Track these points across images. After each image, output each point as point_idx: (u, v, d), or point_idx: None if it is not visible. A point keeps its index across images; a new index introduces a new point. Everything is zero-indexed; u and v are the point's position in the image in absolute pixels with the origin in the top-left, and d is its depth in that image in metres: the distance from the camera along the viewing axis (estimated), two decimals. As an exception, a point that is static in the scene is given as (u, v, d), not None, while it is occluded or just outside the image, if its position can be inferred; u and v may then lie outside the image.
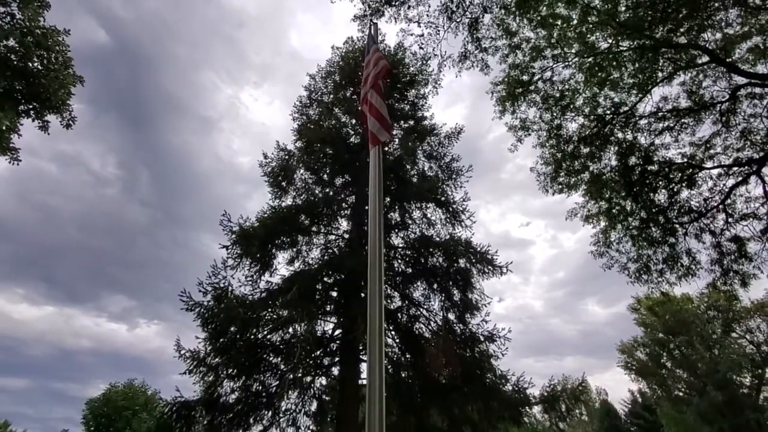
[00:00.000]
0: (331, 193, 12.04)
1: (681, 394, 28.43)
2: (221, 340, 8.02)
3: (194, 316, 8.10)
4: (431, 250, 10.74)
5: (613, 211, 11.32)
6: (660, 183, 10.54)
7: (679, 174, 10.40)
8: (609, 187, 10.72)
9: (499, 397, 8.71)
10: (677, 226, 10.89)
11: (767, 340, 27.39)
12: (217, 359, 8.29)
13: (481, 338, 9.69)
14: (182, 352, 9.15)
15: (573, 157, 10.62)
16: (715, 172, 10.36)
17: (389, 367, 10.74)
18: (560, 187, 11.10)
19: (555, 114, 10.24)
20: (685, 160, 10.45)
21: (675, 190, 10.66)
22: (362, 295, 9.91)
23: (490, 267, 10.30)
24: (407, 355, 11.12)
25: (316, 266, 10.44)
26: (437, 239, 10.96)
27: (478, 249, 10.25)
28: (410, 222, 12.16)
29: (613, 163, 10.57)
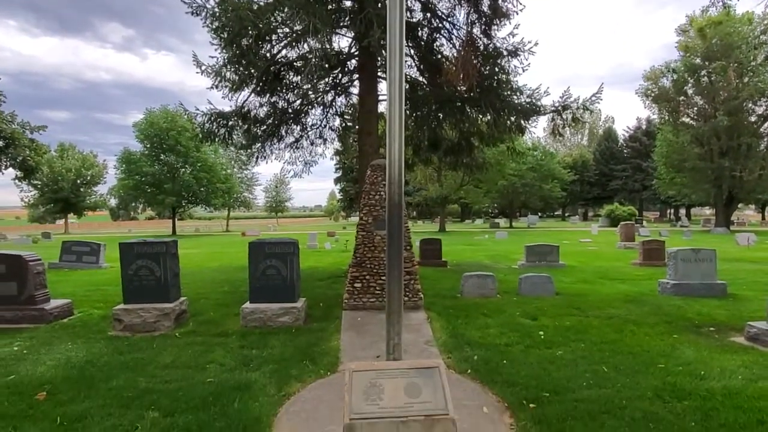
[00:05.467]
0: None
1: (689, 120, 29.44)
2: (237, 51, 7.89)
3: (202, 24, 7.68)
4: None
5: None
6: None
7: None
8: None
9: (512, 107, 9.13)
10: None
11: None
12: (236, 68, 8.43)
13: (505, 53, 9.25)
14: (203, 67, 9.26)
15: None
16: None
17: (406, 86, 10.88)
18: None
19: None
20: None
21: None
22: (379, 5, 8.86)
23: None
24: (425, 75, 11.08)
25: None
26: None
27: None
28: None
29: None
